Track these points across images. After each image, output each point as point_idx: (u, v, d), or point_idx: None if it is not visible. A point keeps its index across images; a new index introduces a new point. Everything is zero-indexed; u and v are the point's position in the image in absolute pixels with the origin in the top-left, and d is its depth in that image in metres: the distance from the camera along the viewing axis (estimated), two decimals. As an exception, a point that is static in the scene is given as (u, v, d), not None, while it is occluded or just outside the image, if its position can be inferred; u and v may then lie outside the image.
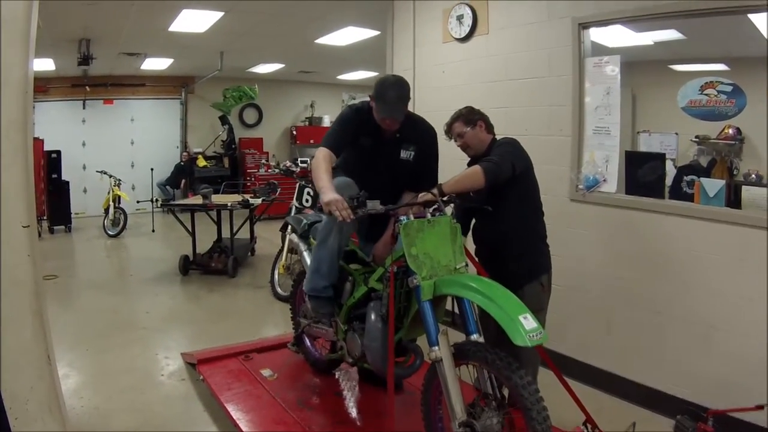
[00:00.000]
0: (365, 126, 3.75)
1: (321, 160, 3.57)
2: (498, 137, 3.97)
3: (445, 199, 3.41)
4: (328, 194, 3.25)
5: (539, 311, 3.69)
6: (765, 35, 3.93)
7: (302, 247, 4.41)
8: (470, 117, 3.93)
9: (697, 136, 4.79)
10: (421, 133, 3.88)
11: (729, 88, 4.07)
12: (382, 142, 3.80)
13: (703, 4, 3.97)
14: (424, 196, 3.39)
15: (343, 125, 3.79)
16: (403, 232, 3.11)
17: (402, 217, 3.17)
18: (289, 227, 5.05)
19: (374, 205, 3.23)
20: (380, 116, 3.62)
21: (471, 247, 3.92)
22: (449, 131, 4.01)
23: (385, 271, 3.37)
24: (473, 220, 3.99)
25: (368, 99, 3.72)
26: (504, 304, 2.75)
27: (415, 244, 3.10)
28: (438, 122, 4.04)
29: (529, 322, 2.65)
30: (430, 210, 3.30)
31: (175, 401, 4.56)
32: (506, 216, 3.72)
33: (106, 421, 4.20)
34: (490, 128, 3.97)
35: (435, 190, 3.42)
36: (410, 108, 3.81)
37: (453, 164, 3.93)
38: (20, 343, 2.87)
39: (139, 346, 5.78)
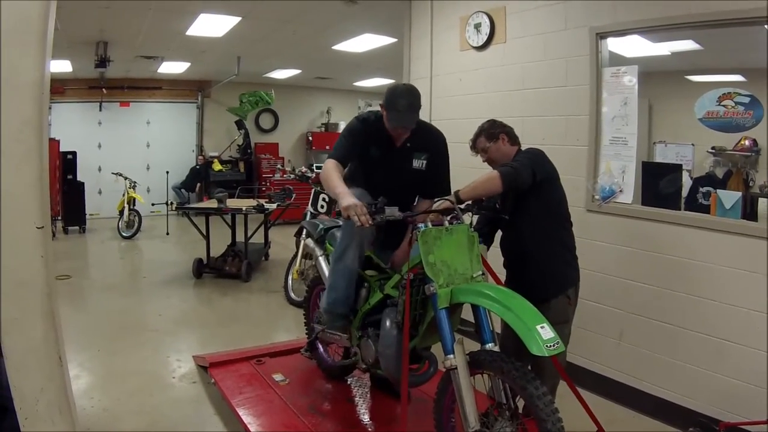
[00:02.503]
0: (375, 136, 3.75)
1: (332, 168, 3.57)
2: (524, 147, 3.93)
3: (462, 207, 3.41)
4: (348, 199, 3.24)
5: (564, 323, 3.68)
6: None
7: (318, 252, 4.39)
8: (492, 131, 3.88)
9: (713, 147, 4.77)
10: (432, 141, 3.87)
11: (746, 100, 4.04)
12: (394, 151, 3.79)
13: (718, 7, 3.95)
14: (441, 204, 3.40)
15: (350, 137, 3.78)
16: (420, 239, 3.10)
17: (420, 225, 3.17)
18: (305, 232, 5.03)
19: (392, 212, 3.22)
20: (391, 125, 3.63)
21: (498, 257, 3.92)
22: (474, 147, 3.98)
23: (401, 279, 3.36)
24: (499, 231, 3.97)
25: (379, 108, 3.73)
26: (521, 313, 2.75)
27: (432, 251, 3.10)
28: (454, 130, 4.04)
29: (546, 331, 2.65)
30: (448, 218, 3.30)
31: (185, 404, 4.57)
32: (531, 227, 3.69)
33: (116, 423, 4.21)
34: (513, 140, 3.92)
35: (452, 197, 3.42)
36: (426, 116, 3.80)
37: (468, 173, 3.91)
38: (31, 344, 2.87)
39: (150, 348, 5.79)
